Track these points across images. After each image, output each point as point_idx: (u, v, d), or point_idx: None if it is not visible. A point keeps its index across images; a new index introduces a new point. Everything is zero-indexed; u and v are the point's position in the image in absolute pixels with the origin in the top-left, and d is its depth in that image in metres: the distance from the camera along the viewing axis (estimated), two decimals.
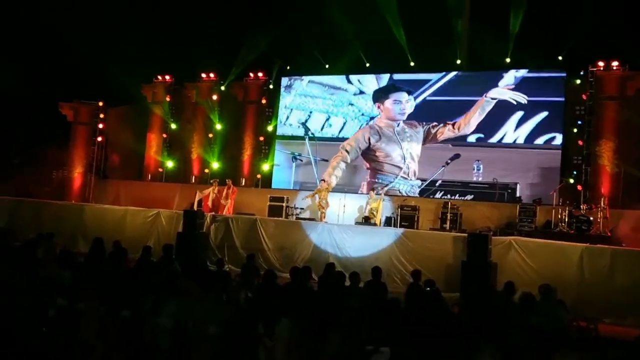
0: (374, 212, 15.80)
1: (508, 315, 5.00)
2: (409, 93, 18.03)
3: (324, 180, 17.05)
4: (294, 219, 16.43)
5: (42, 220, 16.61)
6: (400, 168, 17.84)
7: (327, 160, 18.94)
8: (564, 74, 16.34)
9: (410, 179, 17.76)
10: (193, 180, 20.78)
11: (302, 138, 19.46)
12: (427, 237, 13.07)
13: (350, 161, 18.55)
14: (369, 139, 18.31)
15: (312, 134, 19.27)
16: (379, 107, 18.43)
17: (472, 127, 17.24)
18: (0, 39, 21.17)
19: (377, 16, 17.65)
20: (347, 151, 18.56)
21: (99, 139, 22.03)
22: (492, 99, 17.02)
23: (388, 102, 18.27)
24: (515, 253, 11.98)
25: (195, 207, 16.72)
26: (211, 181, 18.38)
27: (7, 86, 20.67)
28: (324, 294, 5.65)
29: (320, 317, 4.34)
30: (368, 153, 18.35)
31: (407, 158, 17.82)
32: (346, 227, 14.35)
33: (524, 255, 11.93)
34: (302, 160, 19.24)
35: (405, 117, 17.97)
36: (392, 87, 18.43)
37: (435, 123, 17.65)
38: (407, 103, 17.99)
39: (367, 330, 4.40)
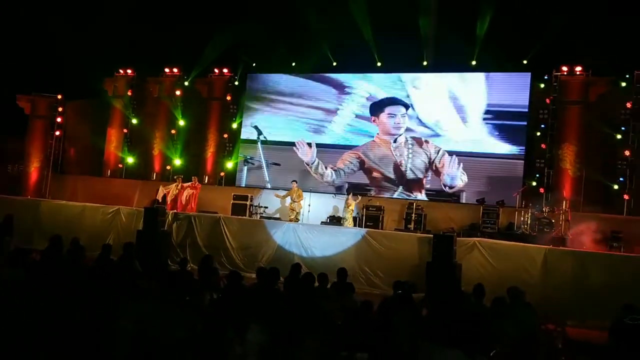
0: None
1: (480, 319, 4.93)
2: (406, 107, 17.57)
3: (295, 181, 16.72)
4: (257, 217, 16.20)
5: None
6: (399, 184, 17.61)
7: (278, 164, 18.70)
8: (528, 77, 16.44)
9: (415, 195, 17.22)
10: (154, 177, 20.37)
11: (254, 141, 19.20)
12: (392, 237, 13.03)
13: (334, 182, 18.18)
14: (359, 164, 17.99)
15: (264, 137, 19.00)
16: (374, 121, 17.88)
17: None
18: None
19: (345, 15, 17.57)
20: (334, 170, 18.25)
21: (57, 133, 21.37)
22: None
23: (383, 116, 17.76)
24: (479, 254, 12.04)
25: (158, 203, 16.34)
26: (175, 177, 17.96)
27: None
28: (293, 297, 5.48)
29: (293, 322, 4.16)
30: (365, 173, 17.99)
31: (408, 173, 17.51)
32: (311, 226, 14.20)
33: (488, 256, 12.00)
34: (253, 164, 18.96)
35: (400, 131, 17.50)
36: (387, 100, 17.85)
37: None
38: (402, 117, 17.55)
39: (341, 335, 4.25)
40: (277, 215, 16.76)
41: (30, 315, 4.31)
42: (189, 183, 17.52)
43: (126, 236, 14.39)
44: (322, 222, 15.21)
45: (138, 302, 4.65)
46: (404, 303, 5.62)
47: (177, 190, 17.23)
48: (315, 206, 16.46)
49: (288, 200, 16.18)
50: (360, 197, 16.14)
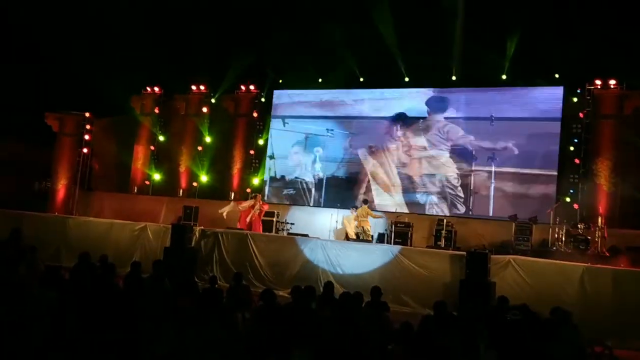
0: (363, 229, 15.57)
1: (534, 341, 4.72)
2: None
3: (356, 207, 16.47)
4: (284, 234, 16.03)
5: (23, 233, 16.03)
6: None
7: None
8: (561, 91, 16.13)
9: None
10: (181, 194, 20.36)
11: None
12: (424, 255, 12.72)
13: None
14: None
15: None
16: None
17: None
18: None
19: (371, 30, 17.45)
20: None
21: (85, 150, 21.51)
22: None
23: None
24: (514, 272, 11.70)
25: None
26: (252, 195, 17.62)
27: None
28: (334, 319, 5.26)
29: (338, 346, 3.95)
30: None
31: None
32: (340, 243, 14.00)
33: (523, 274, 11.65)
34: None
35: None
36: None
37: None
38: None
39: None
40: (305, 232, 16.59)
41: (64, 337, 4.17)
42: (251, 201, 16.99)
43: (153, 253, 14.39)
44: (351, 239, 14.93)
45: (173, 323, 4.48)
46: (448, 323, 5.40)
47: (257, 210, 16.50)
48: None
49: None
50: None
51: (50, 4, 20.77)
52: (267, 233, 15.35)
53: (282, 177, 19.13)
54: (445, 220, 15.67)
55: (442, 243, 15.22)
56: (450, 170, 17.19)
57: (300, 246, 13.68)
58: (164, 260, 13.63)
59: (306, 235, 14.44)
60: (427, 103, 17.80)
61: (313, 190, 18.74)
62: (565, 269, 11.40)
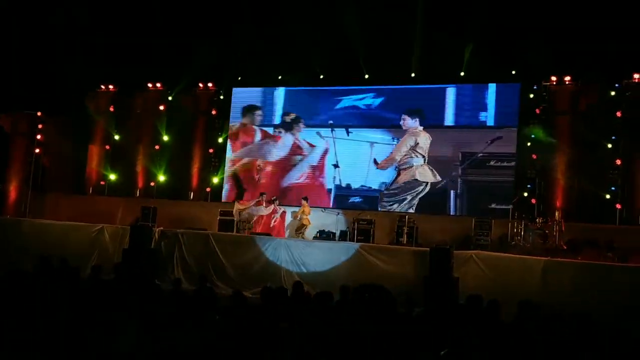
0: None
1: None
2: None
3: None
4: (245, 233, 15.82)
5: None
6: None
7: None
8: (517, 87, 16.40)
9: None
10: (138, 194, 19.91)
11: None
12: (386, 252, 12.75)
13: None
14: None
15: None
16: None
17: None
18: None
19: (331, 26, 17.41)
20: None
21: (37, 150, 20.81)
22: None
23: None
24: (476, 267, 11.82)
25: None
26: (261, 195, 16.92)
27: None
28: (316, 322, 5.14)
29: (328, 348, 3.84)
30: None
31: None
32: (302, 241, 13.91)
33: (485, 269, 11.77)
34: None
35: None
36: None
37: None
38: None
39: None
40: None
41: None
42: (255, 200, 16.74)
43: (112, 256, 14.05)
44: (314, 237, 14.85)
45: (140, 327, 4.31)
46: None
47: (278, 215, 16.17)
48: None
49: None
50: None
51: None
52: (229, 233, 15.11)
53: (348, 185, 18.11)
54: (406, 217, 15.76)
55: (404, 239, 15.29)
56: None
57: (262, 246, 13.55)
58: (122, 262, 13.35)
59: (268, 235, 14.30)
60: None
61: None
62: (528, 263, 11.58)
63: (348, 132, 17.91)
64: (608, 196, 15.27)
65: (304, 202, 16.01)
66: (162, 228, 14.73)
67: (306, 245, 13.42)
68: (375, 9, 17.16)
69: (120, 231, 14.63)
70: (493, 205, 16.12)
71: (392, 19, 17.34)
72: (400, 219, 15.77)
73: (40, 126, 20.98)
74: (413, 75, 17.42)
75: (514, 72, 16.42)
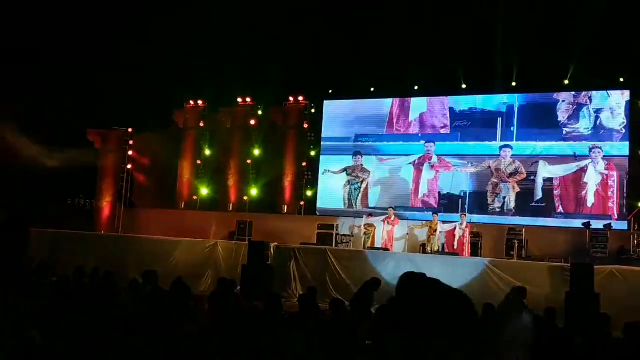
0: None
1: None
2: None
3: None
4: (347, 247, 15.65)
5: (88, 253, 15.70)
6: None
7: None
8: (627, 95, 15.92)
9: None
10: (230, 208, 20.01)
11: None
12: (519, 268, 12.43)
13: None
14: None
15: None
16: None
17: None
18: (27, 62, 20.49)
19: (424, 35, 17.25)
20: None
21: (129, 166, 21.17)
22: None
23: None
24: (618, 283, 11.41)
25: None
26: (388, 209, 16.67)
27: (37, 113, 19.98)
28: None
29: None
30: None
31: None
32: (426, 257, 13.68)
33: (628, 285, 11.37)
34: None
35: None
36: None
37: None
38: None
39: None
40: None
41: None
42: (384, 217, 16.20)
43: (227, 271, 14.06)
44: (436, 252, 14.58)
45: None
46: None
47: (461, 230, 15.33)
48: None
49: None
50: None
51: (91, 21, 20.54)
52: (346, 248, 15.00)
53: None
54: (516, 229, 15.42)
55: (515, 253, 14.95)
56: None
57: (385, 261, 13.34)
58: (242, 278, 13.40)
59: (386, 250, 14.12)
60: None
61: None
62: None
63: None
64: None
65: (434, 216, 15.62)
66: (276, 244, 14.70)
67: (430, 261, 13.16)
68: (465, 21, 16.95)
69: (234, 247, 14.65)
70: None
71: (487, 26, 17.15)
72: (509, 231, 15.45)
73: (130, 142, 21.35)
74: (514, 84, 17.06)
75: (622, 80, 15.96)
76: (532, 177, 16.66)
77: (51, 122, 21.01)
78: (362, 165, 18.67)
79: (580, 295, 10.97)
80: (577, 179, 16.18)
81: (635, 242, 14.15)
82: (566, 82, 16.58)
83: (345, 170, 18.83)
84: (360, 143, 18.70)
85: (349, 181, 18.88)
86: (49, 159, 21.16)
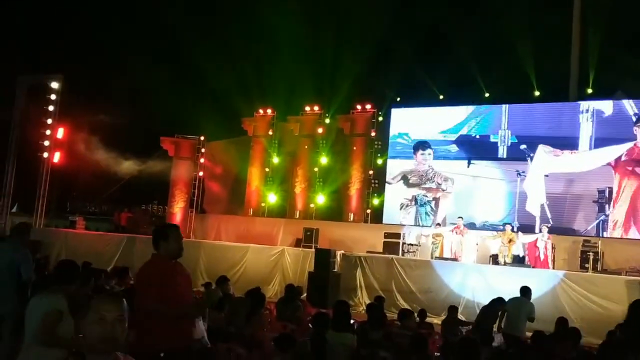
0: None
1: None
2: None
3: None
4: (414, 256, 15.48)
5: None
6: None
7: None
8: None
9: None
10: (297, 216, 20.21)
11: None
12: (595, 281, 11.98)
13: None
14: None
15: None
16: None
17: None
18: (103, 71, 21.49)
19: (494, 39, 16.99)
20: None
21: (200, 173, 21.76)
22: None
23: None
24: None
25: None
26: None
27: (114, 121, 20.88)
28: None
29: None
30: None
31: None
32: (495, 268, 13.40)
33: None
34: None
35: None
36: None
37: None
38: None
39: None
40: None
41: None
42: (453, 226, 15.76)
43: (294, 277, 14.21)
44: (506, 263, 14.25)
45: None
46: None
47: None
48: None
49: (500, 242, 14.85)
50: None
51: (166, 30, 21.28)
52: (414, 258, 14.89)
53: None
54: (591, 241, 14.88)
55: (590, 266, 14.41)
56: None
57: (453, 272, 13.17)
58: (308, 285, 13.51)
59: (455, 260, 13.92)
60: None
61: None
62: None
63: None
64: None
65: (507, 226, 15.25)
66: (343, 251, 14.75)
67: (501, 273, 12.88)
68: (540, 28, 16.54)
69: (301, 253, 14.80)
70: None
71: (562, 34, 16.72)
72: (584, 243, 14.91)
73: (202, 150, 21.94)
74: (590, 91, 16.52)
75: None
76: None
77: (127, 131, 21.95)
78: (433, 169, 18.01)
79: None
80: None
81: None
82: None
83: (404, 177, 18.35)
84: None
85: (414, 198, 18.28)
86: (125, 166, 22.14)
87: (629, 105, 15.76)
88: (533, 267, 13.61)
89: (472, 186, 17.33)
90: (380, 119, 19.62)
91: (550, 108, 17.00)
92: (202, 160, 21.83)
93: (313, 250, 14.63)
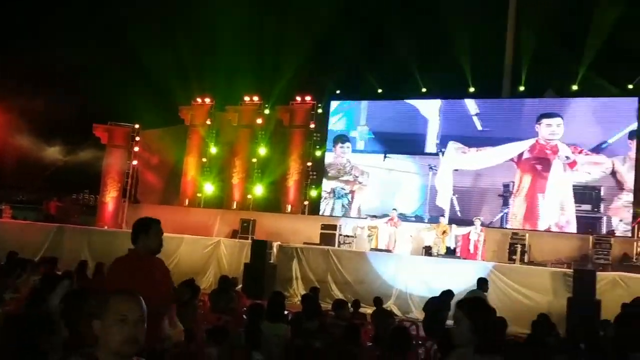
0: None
1: None
2: None
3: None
4: (349, 247, 15.64)
5: (90, 248, 15.80)
6: None
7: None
8: (635, 102, 15.87)
9: None
10: (234, 206, 20.03)
11: None
12: (523, 272, 12.40)
13: None
14: None
15: None
16: None
17: None
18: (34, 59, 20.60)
19: (434, 36, 17.29)
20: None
21: (134, 162, 21.22)
22: None
23: None
24: (621, 290, 11.38)
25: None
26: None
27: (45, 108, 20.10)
28: None
29: None
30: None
31: None
32: (428, 259, 13.69)
33: (631, 292, 11.30)
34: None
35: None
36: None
37: None
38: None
39: None
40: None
41: None
42: (387, 218, 15.93)
43: (229, 269, 14.10)
44: (439, 255, 14.55)
45: None
46: None
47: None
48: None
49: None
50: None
51: (100, 16, 20.64)
52: (349, 249, 15.01)
53: None
54: (519, 234, 15.41)
55: (517, 258, 14.92)
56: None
57: (386, 263, 13.37)
58: (244, 276, 13.43)
59: (388, 251, 14.13)
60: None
61: None
62: None
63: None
64: None
65: (441, 218, 15.60)
66: (280, 243, 14.72)
67: (432, 263, 13.17)
68: (477, 26, 16.95)
69: (238, 244, 14.69)
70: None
71: (494, 29, 17.19)
72: (513, 235, 15.42)
73: (137, 138, 21.41)
74: (522, 89, 17.06)
75: (630, 87, 15.92)
76: None
77: (58, 118, 21.15)
78: (350, 162, 18.69)
79: (582, 302, 10.94)
80: None
81: (639, 249, 14.08)
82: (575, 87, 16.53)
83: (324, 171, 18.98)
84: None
85: (333, 191, 18.81)
86: (55, 153, 21.39)
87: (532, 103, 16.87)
88: (464, 259, 13.92)
89: (387, 179, 18.04)
90: (320, 111, 19.65)
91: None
92: (136, 148, 21.29)
93: (250, 241, 14.53)
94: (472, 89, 17.65)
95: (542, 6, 16.32)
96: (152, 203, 21.39)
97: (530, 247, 15.22)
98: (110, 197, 21.11)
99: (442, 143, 17.34)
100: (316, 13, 18.64)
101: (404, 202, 17.43)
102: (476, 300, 3.92)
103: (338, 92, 19.49)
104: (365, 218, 16.66)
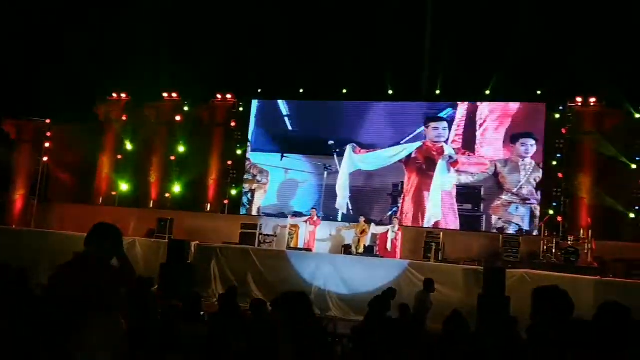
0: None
1: None
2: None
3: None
4: (270, 247, 15.64)
5: None
6: None
7: None
8: (543, 107, 16.71)
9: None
10: (151, 205, 19.53)
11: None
12: (436, 270, 12.76)
13: None
14: None
15: None
16: None
17: None
18: None
19: (354, 41, 17.50)
20: None
21: (45, 159, 20.28)
22: None
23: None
24: (529, 286, 11.89)
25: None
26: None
27: None
28: None
29: None
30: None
31: None
32: (346, 258, 13.85)
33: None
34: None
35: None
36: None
37: None
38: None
39: None
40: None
41: None
42: (307, 217, 16.21)
43: (147, 270, 13.70)
44: (358, 253, 14.74)
45: None
46: None
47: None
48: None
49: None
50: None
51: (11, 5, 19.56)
52: (268, 248, 14.96)
53: None
54: (433, 233, 15.88)
55: (432, 256, 15.37)
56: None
57: (305, 262, 13.44)
58: (160, 277, 13.14)
59: (308, 250, 14.20)
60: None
61: None
62: (578, 283, 11.73)
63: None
64: (632, 215, 15.64)
65: (361, 219, 15.80)
66: (198, 242, 14.48)
67: (349, 262, 13.34)
68: (397, 31, 17.31)
69: (154, 244, 14.32)
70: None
71: (413, 35, 17.61)
72: (428, 234, 15.87)
73: (48, 134, 20.49)
74: (438, 92, 17.55)
75: (539, 92, 16.70)
76: None
77: None
78: (250, 161, 19.09)
79: (492, 298, 11.39)
80: None
81: (545, 247, 14.82)
82: (487, 92, 17.17)
83: None
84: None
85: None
86: None
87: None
88: (382, 257, 14.20)
89: (284, 178, 18.56)
90: (241, 109, 19.48)
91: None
92: (47, 144, 20.35)
93: (167, 241, 14.21)
94: (390, 92, 17.95)
95: (458, 11, 16.89)
96: (64, 201, 20.47)
97: (445, 245, 15.70)
98: (18, 194, 20.13)
99: (340, 144, 17.97)
100: (239, 8, 18.45)
101: (300, 200, 18.04)
102: None
103: (259, 90, 19.33)
104: (287, 217, 16.71)
